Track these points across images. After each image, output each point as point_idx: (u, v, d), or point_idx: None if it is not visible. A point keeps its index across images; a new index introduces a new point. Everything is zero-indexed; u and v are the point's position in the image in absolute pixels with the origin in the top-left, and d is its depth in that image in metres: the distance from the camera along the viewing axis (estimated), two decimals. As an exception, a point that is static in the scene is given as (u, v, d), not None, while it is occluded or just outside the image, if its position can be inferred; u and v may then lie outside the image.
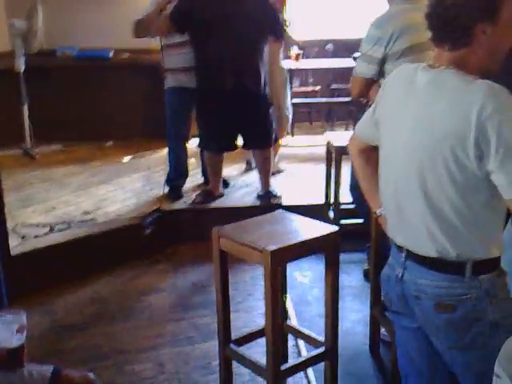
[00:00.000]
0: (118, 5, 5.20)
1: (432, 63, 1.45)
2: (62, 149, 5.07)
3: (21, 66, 4.76)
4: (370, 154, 1.70)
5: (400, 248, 1.54)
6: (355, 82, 2.69)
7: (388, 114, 1.53)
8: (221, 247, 2.32)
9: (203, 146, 3.92)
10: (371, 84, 2.63)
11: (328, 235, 2.27)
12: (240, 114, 3.65)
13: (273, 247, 2.08)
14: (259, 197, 3.97)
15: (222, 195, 4.00)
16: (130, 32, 3.87)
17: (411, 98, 1.45)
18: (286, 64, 5.25)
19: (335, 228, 2.30)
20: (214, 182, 3.97)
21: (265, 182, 3.96)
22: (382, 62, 2.54)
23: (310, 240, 2.22)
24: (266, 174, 3.95)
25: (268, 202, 3.87)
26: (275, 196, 3.93)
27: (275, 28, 3.72)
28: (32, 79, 4.83)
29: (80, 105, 5.20)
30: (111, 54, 5.18)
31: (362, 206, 3.05)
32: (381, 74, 2.58)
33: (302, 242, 2.21)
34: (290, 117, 4.73)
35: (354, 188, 3.21)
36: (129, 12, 5.09)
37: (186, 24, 3.57)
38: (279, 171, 4.51)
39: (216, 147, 3.83)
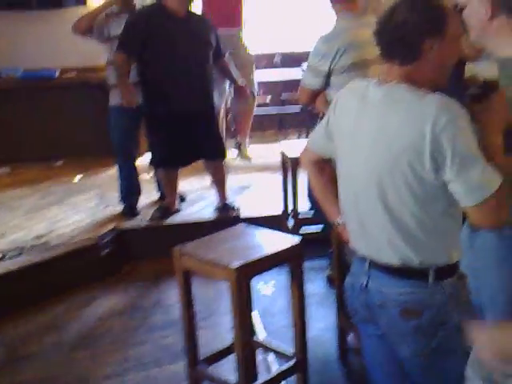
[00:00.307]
0: (61, 24, 5.07)
1: (383, 78, 1.47)
2: (9, 171, 4.91)
3: (-37, 88, 4.59)
4: (323, 165, 1.72)
5: (363, 258, 1.55)
6: (303, 92, 2.81)
7: (343, 128, 1.55)
8: (183, 266, 2.28)
9: (156, 164, 3.85)
10: (317, 94, 2.77)
11: (291, 247, 2.27)
12: (192, 129, 3.64)
13: (237, 263, 2.07)
14: (217, 210, 3.94)
15: (178, 210, 3.96)
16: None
17: (366, 113, 1.47)
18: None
19: (298, 239, 2.30)
20: (170, 198, 3.92)
21: (221, 194, 3.94)
22: (328, 75, 2.66)
23: (274, 254, 2.22)
24: (222, 186, 3.93)
25: (226, 215, 3.84)
26: (233, 208, 3.91)
27: (217, 47, 3.74)
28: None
29: (27, 126, 5.06)
30: (57, 74, 5.06)
31: (321, 211, 3.08)
32: (327, 85, 2.70)
33: (267, 256, 2.20)
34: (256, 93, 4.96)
35: (312, 194, 3.24)
36: (70, 32, 5.01)
37: (138, 49, 3.53)
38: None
39: (170, 164, 3.79)
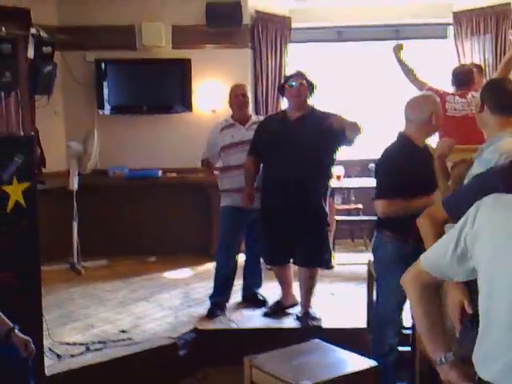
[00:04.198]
0: (166, 128, 5.53)
1: None
2: (107, 264, 5.20)
3: (74, 185, 5.03)
4: (435, 289, 1.57)
5: None
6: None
7: (498, 246, 1.37)
8: (252, 379, 2.25)
9: (264, 260, 4.05)
10: None
11: (365, 371, 2.17)
12: (294, 227, 3.67)
13: (306, 383, 2.01)
14: (298, 318, 3.87)
15: (294, 304, 3.95)
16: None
17: None
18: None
19: (373, 363, 2.21)
20: (283, 292, 3.99)
21: (305, 301, 3.88)
22: None
23: (345, 375, 2.14)
24: (307, 293, 3.87)
25: (307, 325, 3.76)
26: (315, 318, 3.81)
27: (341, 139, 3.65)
28: (84, 197, 5.08)
29: (127, 221, 5.40)
30: (160, 174, 5.43)
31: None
32: None
33: (338, 377, 2.12)
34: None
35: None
36: (175, 135, 5.45)
37: (260, 152, 3.79)
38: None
39: (273, 260, 3.96)
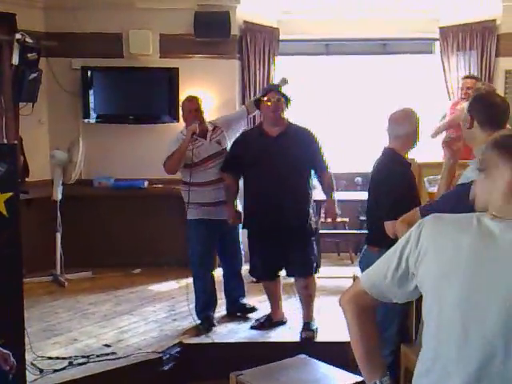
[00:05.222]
0: (153, 138, 5.48)
1: (498, 215, 1.34)
2: (91, 276, 5.12)
3: (58, 195, 4.96)
4: (373, 311, 1.52)
5: None
6: None
7: (443, 266, 1.35)
8: (239, 396, 2.21)
9: (250, 273, 4.00)
10: None
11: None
12: (282, 243, 3.70)
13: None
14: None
15: (282, 321, 3.95)
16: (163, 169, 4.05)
17: (498, 257, 1.30)
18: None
19: (358, 378, 2.19)
20: (271, 307, 3.97)
21: (306, 312, 3.86)
22: None
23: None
24: (307, 303, 3.86)
25: (300, 337, 3.72)
26: (311, 330, 3.78)
27: (315, 164, 3.79)
28: (68, 207, 5.01)
29: (111, 232, 5.34)
30: (146, 184, 5.38)
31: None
32: None
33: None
34: None
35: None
36: (162, 145, 5.37)
37: (238, 168, 3.79)
38: None
39: (261, 275, 3.93)
